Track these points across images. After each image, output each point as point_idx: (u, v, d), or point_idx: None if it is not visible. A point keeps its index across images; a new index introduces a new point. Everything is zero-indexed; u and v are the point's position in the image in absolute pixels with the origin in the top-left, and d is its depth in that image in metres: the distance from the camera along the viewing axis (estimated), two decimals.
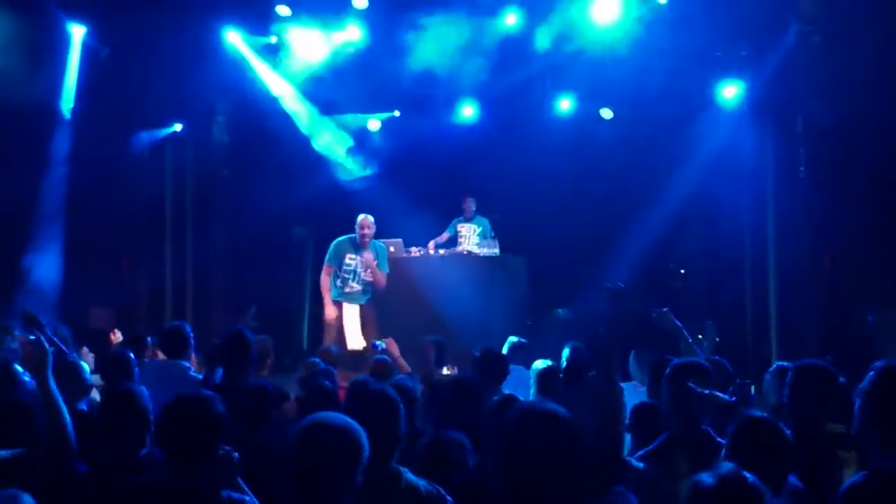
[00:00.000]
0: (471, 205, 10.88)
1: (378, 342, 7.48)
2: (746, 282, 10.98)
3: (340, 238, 9.42)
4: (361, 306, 9.39)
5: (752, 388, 4.37)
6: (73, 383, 4.22)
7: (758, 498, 2.26)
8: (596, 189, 11.24)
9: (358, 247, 9.35)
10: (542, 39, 10.62)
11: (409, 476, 2.93)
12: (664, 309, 5.57)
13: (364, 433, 2.54)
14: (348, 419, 2.56)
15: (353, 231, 9.47)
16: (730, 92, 10.81)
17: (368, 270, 9.29)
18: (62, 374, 4.30)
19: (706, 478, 2.27)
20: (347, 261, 9.35)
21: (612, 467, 2.77)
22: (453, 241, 10.77)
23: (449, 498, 2.92)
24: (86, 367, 4.35)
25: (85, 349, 6.56)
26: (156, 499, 2.86)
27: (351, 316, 9.31)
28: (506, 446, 2.39)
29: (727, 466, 2.32)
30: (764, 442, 3.02)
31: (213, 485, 2.89)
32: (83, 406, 4.20)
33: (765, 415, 3.22)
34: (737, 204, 10.84)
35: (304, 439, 2.48)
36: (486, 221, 10.82)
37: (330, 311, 9.29)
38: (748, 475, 2.28)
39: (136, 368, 4.91)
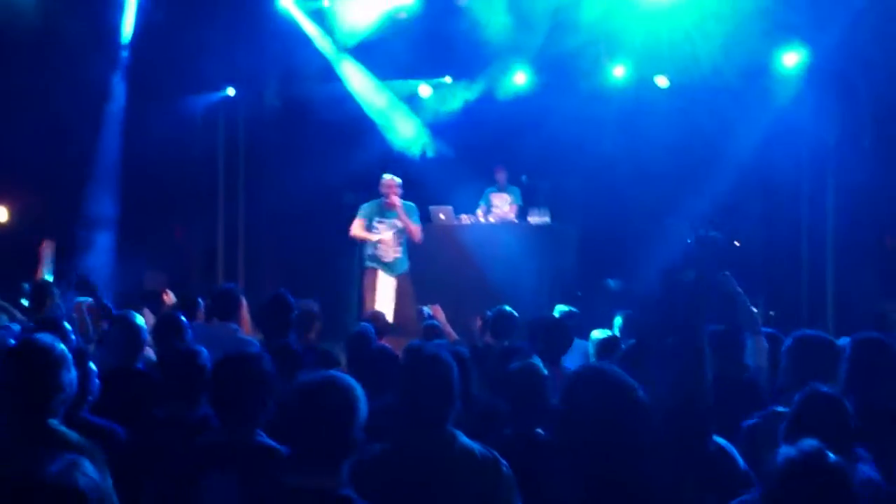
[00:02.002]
0: (503, 174, 10.76)
1: (425, 308, 7.47)
2: (803, 257, 10.77)
3: (368, 202, 9.34)
4: (398, 278, 9.22)
5: None
6: (130, 341, 4.27)
7: (841, 475, 2.22)
8: (649, 158, 11.05)
9: (384, 210, 9.23)
10: (597, 5, 10.40)
11: (464, 439, 2.91)
12: (726, 272, 5.43)
13: (360, 390, 2.49)
14: (342, 376, 2.50)
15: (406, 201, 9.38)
16: (791, 59, 10.52)
17: (397, 231, 9.13)
18: (118, 333, 4.38)
19: (791, 451, 2.22)
20: (375, 225, 9.24)
21: (698, 444, 2.70)
22: (489, 212, 10.68)
23: (503, 461, 2.90)
24: (143, 325, 4.39)
25: (146, 310, 6.63)
26: (210, 457, 2.87)
27: (385, 288, 9.15)
28: (569, 409, 2.35)
29: (809, 443, 2.26)
30: (829, 416, 2.94)
31: (270, 443, 2.90)
32: (140, 365, 4.26)
33: (828, 389, 3.12)
34: (795, 176, 10.62)
35: (297, 398, 2.44)
36: (517, 190, 10.71)
37: (366, 235, 9.16)
38: (830, 454, 2.23)
39: (189, 330, 4.94)
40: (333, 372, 2.58)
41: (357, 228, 9.20)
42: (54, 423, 2.83)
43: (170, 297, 6.79)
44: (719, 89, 10.46)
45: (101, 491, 1.89)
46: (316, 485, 2.32)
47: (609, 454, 2.32)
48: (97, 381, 3.45)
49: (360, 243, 9.34)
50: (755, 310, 5.31)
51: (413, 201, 10.66)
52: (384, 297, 9.02)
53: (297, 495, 2.34)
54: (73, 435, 2.80)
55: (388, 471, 2.79)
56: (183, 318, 4.83)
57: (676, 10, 10.02)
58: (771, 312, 10.29)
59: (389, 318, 8.80)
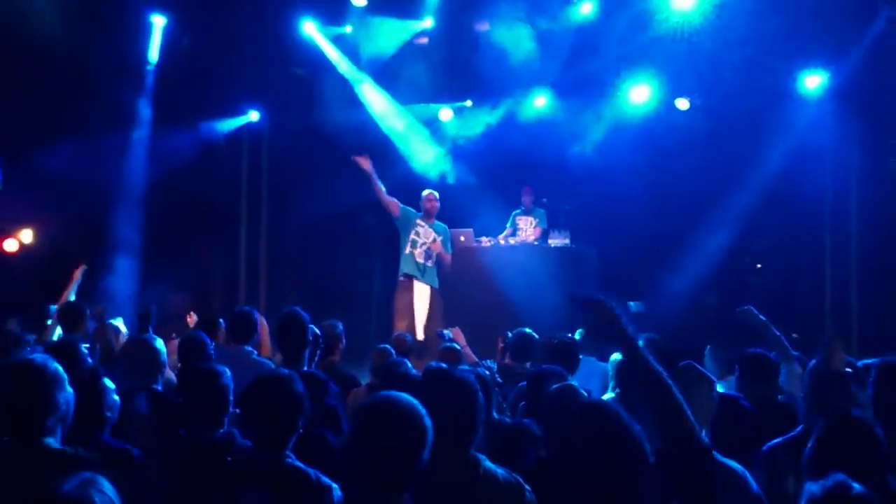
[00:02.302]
0: (529, 197, 10.78)
1: (445, 331, 7.47)
2: (827, 278, 10.68)
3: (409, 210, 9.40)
4: (433, 290, 9.29)
5: None
6: (147, 363, 4.31)
7: None
8: (670, 180, 11.05)
9: (426, 217, 9.32)
10: (618, 28, 10.45)
11: (488, 464, 2.89)
12: (746, 306, 5.41)
13: (427, 415, 2.51)
14: (412, 400, 2.52)
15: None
16: (813, 82, 10.49)
17: (434, 245, 9.20)
18: (138, 355, 4.42)
19: (814, 487, 2.20)
20: (418, 227, 9.27)
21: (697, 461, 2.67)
22: (513, 234, 10.70)
23: (527, 486, 2.88)
24: (162, 348, 4.43)
25: (174, 334, 6.69)
26: (242, 478, 2.88)
27: (422, 298, 9.19)
28: (565, 443, 2.34)
29: (836, 477, 2.23)
30: (857, 441, 2.82)
31: (299, 465, 2.91)
32: (158, 386, 4.28)
33: (857, 411, 3.03)
34: (817, 198, 10.55)
35: (369, 417, 2.46)
36: (542, 212, 10.72)
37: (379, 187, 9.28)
38: (856, 485, 2.20)
39: (211, 350, 4.97)
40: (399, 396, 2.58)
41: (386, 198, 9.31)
42: (50, 441, 2.81)
43: (192, 318, 6.85)
44: (741, 112, 10.46)
45: None
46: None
47: (602, 486, 2.28)
48: (116, 399, 3.47)
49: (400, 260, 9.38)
50: (782, 336, 5.28)
51: None
52: (420, 310, 9.07)
53: None
54: (75, 453, 2.79)
55: (415, 493, 2.80)
56: (206, 339, 4.85)
57: (698, 34, 10.03)
58: (794, 335, 10.19)
59: (420, 329, 8.88)
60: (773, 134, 10.53)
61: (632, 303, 11.39)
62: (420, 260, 9.25)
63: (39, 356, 2.94)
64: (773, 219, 11.35)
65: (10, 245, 10.81)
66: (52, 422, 2.80)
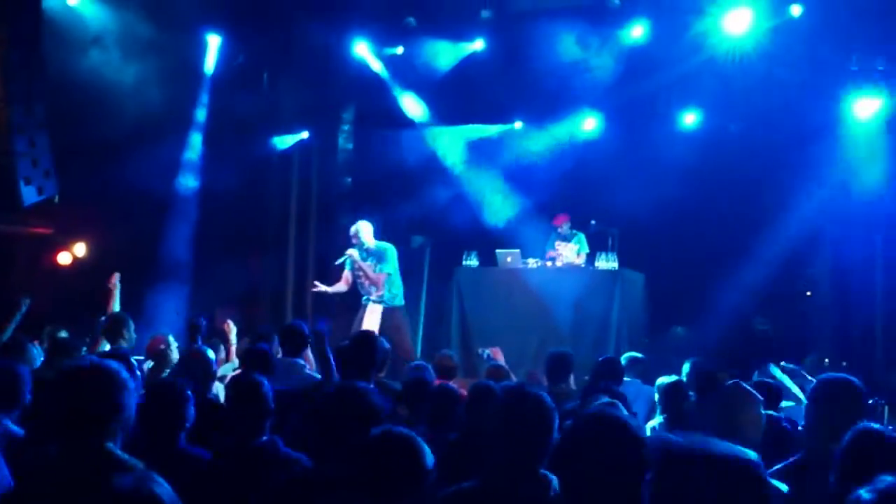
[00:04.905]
0: (565, 223, 10.71)
1: (484, 350, 7.48)
2: (877, 309, 10.49)
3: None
4: (385, 310, 9.15)
5: (886, 409, 4.17)
6: (200, 372, 4.40)
7: None
8: (719, 206, 10.96)
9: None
10: (670, 51, 10.44)
11: (558, 483, 2.84)
12: (768, 364, 5.30)
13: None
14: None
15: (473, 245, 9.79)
16: (865, 107, 10.35)
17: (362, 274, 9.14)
18: (192, 365, 4.51)
19: (864, 493, 2.14)
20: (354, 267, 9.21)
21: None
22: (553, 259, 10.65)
23: None
24: (213, 358, 4.52)
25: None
26: (310, 489, 2.89)
27: (371, 315, 9.11)
28: (563, 451, 2.31)
29: (886, 480, 2.18)
30: (881, 455, 2.73)
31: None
32: (210, 394, 4.37)
33: (882, 427, 2.96)
34: (869, 225, 10.38)
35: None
36: (582, 236, 10.66)
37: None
38: None
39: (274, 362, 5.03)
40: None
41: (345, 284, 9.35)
42: (111, 446, 2.82)
43: (229, 327, 6.91)
44: (793, 137, 10.35)
45: (176, 502, 1.94)
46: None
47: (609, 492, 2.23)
48: (192, 409, 3.59)
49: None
50: (810, 377, 5.19)
51: (481, 245, 10.73)
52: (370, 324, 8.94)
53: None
54: (130, 460, 2.79)
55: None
56: (269, 350, 4.92)
57: (750, 58, 9.98)
58: (843, 363, 10.02)
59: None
60: (824, 160, 10.39)
61: (678, 328, 11.32)
62: (363, 293, 9.26)
63: (108, 361, 2.97)
64: (823, 246, 11.18)
65: (64, 258, 11.03)
66: (114, 426, 2.82)
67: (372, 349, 4.82)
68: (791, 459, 3.42)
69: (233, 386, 3.71)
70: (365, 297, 9.27)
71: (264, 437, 3.49)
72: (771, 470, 3.49)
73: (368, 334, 5.05)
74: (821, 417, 3.42)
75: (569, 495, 2.21)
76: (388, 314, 9.14)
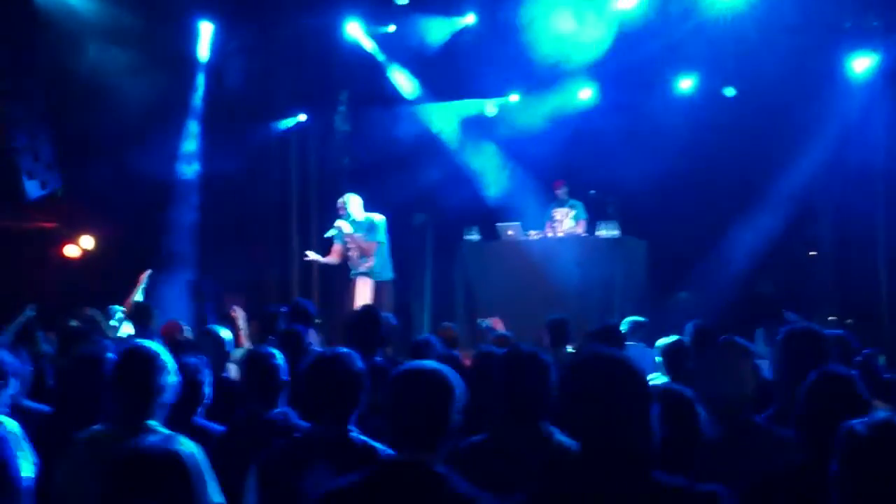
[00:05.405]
0: (563, 188, 10.81)
1: (484, 321, 7.55)
2: (880, 264, 10.53)
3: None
4: (374, 283, 9.07)
5: (882, 358, 4.23)
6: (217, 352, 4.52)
7: None
8: (719, 169, 10.98)
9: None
10: (663, 17, 10.42)
11: (560, 436, 3.00)
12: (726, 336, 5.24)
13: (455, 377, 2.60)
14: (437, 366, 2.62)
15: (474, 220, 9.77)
16: (861, 65, 10.36)
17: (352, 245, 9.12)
18: (207, 345, 4.62)
19: (857, 426, 2.19)
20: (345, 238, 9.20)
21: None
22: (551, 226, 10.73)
23: None
24: (228, 338, 4.66)
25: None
26: (309, 452, 2.99)
27: (362, 290, 9.05)
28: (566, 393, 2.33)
29: (880, 414, 2.24)
30: (839, 394, 2.76)
31: (365, 439, 3.01)
32: (225, 373, 4.48)
33: (842, 368, 2.96)
34: (869, 183, 10.40)
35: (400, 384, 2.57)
36: (579, 204, 10.72)
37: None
38: None
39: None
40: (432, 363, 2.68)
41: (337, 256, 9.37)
42: (153, 423, 3.07)
43: (237, 313, 7.01)
44: (789, 98, 10.36)
45: (198, 462, 2.14)
46: (414, 459, 2.47)
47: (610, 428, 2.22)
48: (210, 388, 3.77)
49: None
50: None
51: (482, 220, 10.81)
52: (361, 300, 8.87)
53: (397, 468, 2.50)
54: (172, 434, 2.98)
55: (486, 461, 2.94)
56: (304, 332, 4.98)
57: (743, 21, 9.97)
58: (849, 321, 10.09)
59: None
60: (823, 119, 10.41)
61: (682, 293, 11.38)
62: (351, 265, 9.22)
63: (153, 344, 3.25)
64: (825, 206, 11.21)
65: (72, 251, 11.12)
66: (157, 405, 3.10)
67: (375, 324, 4.87)
68: (766, 413, 3.48)
69: (247, 359, 3.80)
70: (353, 272, 9.18)
71: (277, 409, 3.57)
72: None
73: (370, 309, 5.09)
74: (785, 369, 3.49)
75: (580, 438, 2.25)
76: (378, 288, 9.08)
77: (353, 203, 9.21)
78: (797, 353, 3.44)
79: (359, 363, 3.12)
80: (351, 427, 3.04)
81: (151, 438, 2.17)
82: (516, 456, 2.94)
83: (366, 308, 5.11)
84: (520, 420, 3.09)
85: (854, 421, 2.20)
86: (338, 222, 9.19)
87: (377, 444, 2.97)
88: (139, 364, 3.11)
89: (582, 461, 2.22)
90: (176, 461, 2.11)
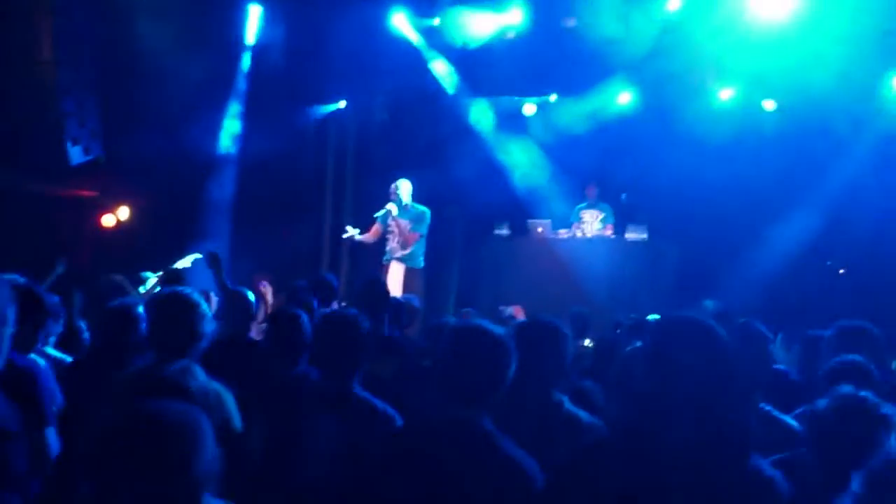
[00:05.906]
0: (594, 191, 10.86)
1: (506, 308, 7.61)
2: None
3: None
4: (407, 269, 9.31)
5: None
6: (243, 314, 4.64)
7: (876, 414, 2.22)
8: (753, 180, 10.95)
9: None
10: (707, 25, 10.41)
11: (570, 406, 3.08)
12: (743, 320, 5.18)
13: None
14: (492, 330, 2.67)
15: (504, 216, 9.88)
16: None
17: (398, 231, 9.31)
18: (233, 307, 4.73)
19: (821, 403, 2.24)
20: (389, 221, 9.42)
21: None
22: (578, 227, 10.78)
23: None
24: (253, 299, 4.78)
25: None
26: (312, 403, 3.10)
27: (394, 274, 9.27)
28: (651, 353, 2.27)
29: (844, 389, 2.29)
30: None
31: (366, 395, 3.12)
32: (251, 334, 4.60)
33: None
34: None
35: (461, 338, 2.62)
36: (608, 207, 10.77)
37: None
38: (867, 394, 2.24)
39: None
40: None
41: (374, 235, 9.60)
42: (187, 361, 3.10)
43: (266, 289, 7.16)
44: (829, 111, 10.30)
45: (207, 394, 2.25)
46: (465, 416, 2.53)
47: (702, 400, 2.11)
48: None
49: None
50: None
51: (512, 216, 10.86)
52: (393, 285, 9.04)
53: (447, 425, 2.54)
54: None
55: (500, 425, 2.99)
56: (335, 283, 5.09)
57: (789, 34, 9.92)
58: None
59: None
60: (865, 135, 10.35)
61: (708, 301, 11.33)
62: (388, 248, 9.43)
63: (192, 291, 3.36)
64: (858, 224, 11.12)
65: (108, 220, 11.33)
66: (194, 349, 3.22)
67: (380, 293, 4.96)
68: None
69: (272, 318, 3.91)
70: (387, 256, 9.39)
71: (299, 368, 3.68)
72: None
73: (374, 280, 5.22)
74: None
75: (656, 402, 2.16)
76: (409, 274, 9.27)
77: (403, 189, 9.43)
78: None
79: (364, 324, 3.23)
80: (354, 384, 3.16)
81: (170, 369, 2.36)
82: (529, 421, 2.95)
83: (372, 279, 5.22)
84: (535, 387, 3.09)
85: (819, 401, 2.26)
86: (389, 204, 9.34)
87: (377, 402, 3.08)
88: (183, 306, 3.22)
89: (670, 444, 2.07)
90: (204, 391, 2.22)
